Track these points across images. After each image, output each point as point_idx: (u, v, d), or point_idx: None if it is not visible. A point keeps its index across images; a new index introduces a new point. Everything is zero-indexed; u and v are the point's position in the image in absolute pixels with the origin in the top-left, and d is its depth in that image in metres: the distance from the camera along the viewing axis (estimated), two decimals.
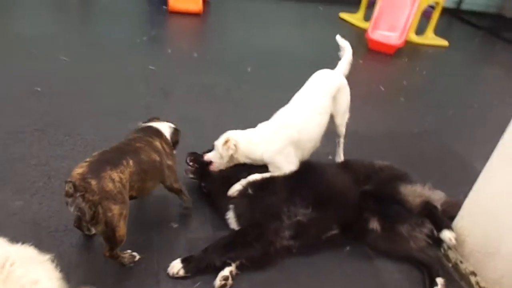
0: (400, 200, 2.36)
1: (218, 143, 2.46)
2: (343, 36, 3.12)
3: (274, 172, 2.43)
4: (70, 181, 1.73)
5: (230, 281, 2.02)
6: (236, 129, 2.55)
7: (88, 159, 1.87)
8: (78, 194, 1.72)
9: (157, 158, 2.12)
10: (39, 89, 3.40)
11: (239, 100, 3.81)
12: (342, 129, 2.95)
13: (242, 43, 5.17)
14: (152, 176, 2.09)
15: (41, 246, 2.04)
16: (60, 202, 2.32)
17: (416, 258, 2.34)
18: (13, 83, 3.40)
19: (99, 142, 2.89)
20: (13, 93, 3.27)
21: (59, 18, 5.21)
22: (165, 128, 2.40)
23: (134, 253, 2.06)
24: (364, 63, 5.37)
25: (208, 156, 2.50)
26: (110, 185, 1.79)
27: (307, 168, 2.47)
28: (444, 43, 6.54)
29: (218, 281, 2.00)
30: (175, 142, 2.41)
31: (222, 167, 2.50)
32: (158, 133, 2.31)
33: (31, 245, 1.78)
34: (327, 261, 2.31)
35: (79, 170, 1.79)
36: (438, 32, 6.66)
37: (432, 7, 6.54)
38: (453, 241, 2.26)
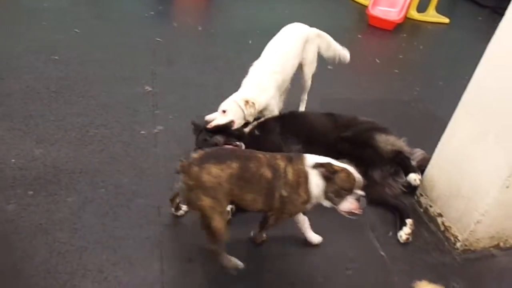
0: (373, 146, 2.64)
1: (232, 106, 2.69)
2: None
3: (267, 115, 2.82)
4: (182, 161, 1.89)
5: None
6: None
7: (210, 150, 2.00)
8: (181, 175, 1.88)
9: (268, 175, 1.92)
10: (56, 57, 3.71)
11: (238, 69, 4.05)
12: (308, 81, 3.31)
13: (245, 18, 5.40)
14: (253, 189, 1.92)
15: (60, 184, 2.42)
16: (75, 150, 2.68)
17: (389, 202, 2.61)
18: (33, 53, 3.71)
19: (109, 102, 3.21)
20: (33, 62, 3.58)
21: None
22: (313, 164, 1.94)
23: (239, 263, 2.06)
24: (362, 38, 5.58)
25: (226, 118, 2.68)
26: (205, 177, 1.83)
27: (294, 114, 2.89)
28: (445, 20, 6.66)
29: None
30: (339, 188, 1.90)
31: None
32: (297, 160, 1.98)
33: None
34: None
35: (195, 155, 1.91)
36: (440, 9, 6.77)
37: None
38: (418, 181, 2.54)
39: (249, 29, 4.99)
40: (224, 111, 2.71)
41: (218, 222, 1.89)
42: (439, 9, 6.74)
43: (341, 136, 2.71)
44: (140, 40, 4.28)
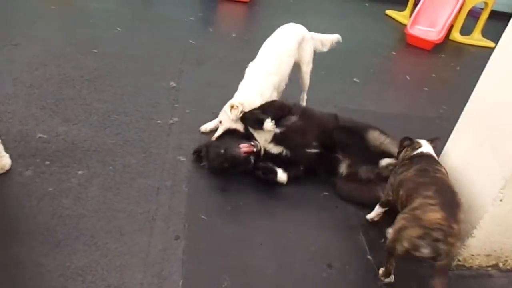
0: (363, 137, 2.74)
1: (223, 115, 2.89)
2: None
3: None
4: (440, 229, 1.85)
5: None
6: None
7: (431, 201, 1.94)
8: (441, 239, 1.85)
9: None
10: (95, 51, 4.04)
11: None
12: (306, 79, 3.39)
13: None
14: None
15: (75, 158, 2.64)
16: (95, 131, 2.91)
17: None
18: (76, 45, 4.06)
19: (134, 93, 3.44)
20: (74, 53, 3.93)
21: None
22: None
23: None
24: (397, 55, 5.53)
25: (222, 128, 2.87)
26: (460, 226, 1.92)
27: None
28: (490, 44, 6.42)
29: None
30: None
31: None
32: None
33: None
34: (305, 198, 2.70)
35: (437, 215, 1.88)
36: (487, 34, 6.56)
37: (481, 8, 6.48)
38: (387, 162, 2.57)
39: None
40: (220, 122, 2.88)
41: None
42: (485, 33, 6.53)
43: (340, 125, 2.82)
44: (175, 41, 4.54)
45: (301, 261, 2.25)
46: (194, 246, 2.20)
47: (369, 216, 2.58)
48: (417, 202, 1.99)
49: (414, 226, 1.92)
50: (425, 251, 1.90)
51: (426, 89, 4.62)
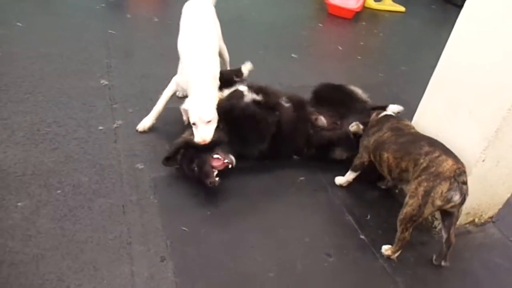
0: (351, 92, 2.94)
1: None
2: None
3: None
4: (460, 172, 1.95)
5: None
6: None
7: (435, 154, 2.02)
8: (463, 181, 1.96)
9: None
10: None
11: None
12: (226, 51, 3.26)
13: None
14: None
15: (8, 189, 2.17)
16: (25, 151, 2.42)
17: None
18: None
19: (60, 98, 2.95)
20: None
21: None
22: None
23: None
24: (324, 27, 5.54)
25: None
26: None
27: None
28: (401, 9, 6.77)
29: None
30: None
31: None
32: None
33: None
34: (283, 187, 2.55)
35: (450, 162, 1.97)
36: None
37: None
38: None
39: None
40: (194, 124, 2.39)
41: None
42: None
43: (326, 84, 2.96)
44: (92, 33, 3.99)
45: (299, 256, 2.11)
46: (183, 264, 1.94)
47: (339, 181, 2.61)
48: (423, 162, 2.03)
49: (440, 183, 1.94)
50: (456, 198, 1.97)
51: (359, 57, 4.70)
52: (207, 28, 2.82)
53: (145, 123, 2.76)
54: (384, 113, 2.52)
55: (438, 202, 1.96)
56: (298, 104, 2.74)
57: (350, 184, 2.60)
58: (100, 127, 2.72)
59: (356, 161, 2.50)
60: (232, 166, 2.33)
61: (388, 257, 2.16)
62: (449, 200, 1.96)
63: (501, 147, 2.07)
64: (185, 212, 2.22)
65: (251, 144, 2.55)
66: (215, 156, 2.31)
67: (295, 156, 2.81)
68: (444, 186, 1.94)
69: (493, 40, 1.96)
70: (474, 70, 2.06)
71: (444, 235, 2.15)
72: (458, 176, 1.95)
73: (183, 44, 2.76)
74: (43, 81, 3.10)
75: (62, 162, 2.38)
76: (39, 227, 1.98)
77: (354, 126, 2.56)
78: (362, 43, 5.17)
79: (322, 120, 2.80)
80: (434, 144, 2.10)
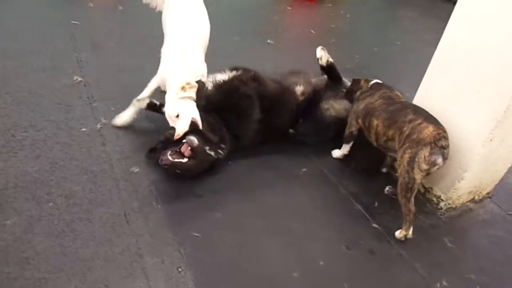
0: None
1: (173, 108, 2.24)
2: None
3: None
4: (440, 137, 2.04)
5: None
6: None
7: (418, 121, 2.10)
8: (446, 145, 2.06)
9: None
10: None
11: None
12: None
13: None
14: None
15: None
16: (2, 161, 2.16)
17: None
18: None
19: (32, 99, 2.66)
20: None
21: None
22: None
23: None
24: (292, 10, 5.44)
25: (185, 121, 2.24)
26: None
27: None
28: None
29: None
30: None
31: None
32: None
33: None
34: (287, 181, 2.46)
35: (430, 128, 2.06)
36: None
37: None
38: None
39: None
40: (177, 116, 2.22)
41: None
42: None
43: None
44: (54, 25, 3.64)
45: (319, 252, 2.03)
46: (202, 272, 1.80)
47: (336, 155, 2.68)
48: (406, 130, 2.13)
49: (422, 148, 2.05)
50: (439, 161, 2.08)
51: (333, 40, 4.66)
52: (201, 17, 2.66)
53: (124, 118, 2.56)
54: (375, 80, 2.59)
55: (424, 166, 2.06)
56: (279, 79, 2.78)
57: (353, 173, 2.57)
58: (83, 129, 2.49)
59: (346, 132, 2.57)
60: (193, 146, 2.17)
61: (405, 238, 2.16)
62: (433, 163, 2.07)
63: (509, 126, 2.09)
64: (193, 216, 2.08)
65: (242, 122, 2.47)
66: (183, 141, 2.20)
67: (290, 130, 2.77)
68: (425, 151, 2.05)
69: (500, 17, 1.95)
70: (480, 50, 2.05)
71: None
72: (438, 141, 2.05)
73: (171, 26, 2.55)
74: (9, 80, 2.79)
75: (47, 171, 2.14)
76: (35, 246, 1.76)
77: (323, 55, 2.76)
78: (333, 26, 5.14)
79: (300, 88, 2.77)
80: (418, 111, 2.20)
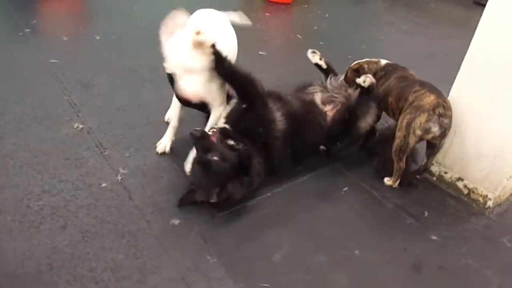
0: None
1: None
2: None
3: None
4: (439, 105, 2.16)
5: None
6: None
7: (421, 91, 2.24)
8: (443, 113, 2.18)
9: None
10: None
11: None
12: None
13: (139, 16, 4.66)
14: None
15: None
16: (25, 240, 1.91)
17: None
18: None
19: (35, 157, 2.38)
20: None
21: None
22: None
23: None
24: (271, 16, 5.30)
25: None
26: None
27: None
28: None
29: None
30: None
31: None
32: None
33: None
34: (332, 203, 2.35)
35: (431, 97, 2.19)
36: None
37: None
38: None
39: (152, 27, 4.30)
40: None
41: None
42: None
43: None
44: (32, 67, 3.30)
45: (389, 277, 1.92)
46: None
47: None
48: (410, 98, 2.27)
49: (419, 114, 2.19)
50: (435, 129, 2.20)
51: (322, 43, 4.57)
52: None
53: (164, 143, 2.51)
54: (385, 61, 2.65)
55: (418, 132, 2.20)
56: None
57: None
58: (103, 184, 2.24)
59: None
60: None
61: (391, 187, 2.43)
62: (428, 131, 2.20)
63: None
64: (254, 264, 1.90)
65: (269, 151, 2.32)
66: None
67: (321, 147, 2.66)
68: (422, 118, 2.17)
69: None
70: None
71: (424, 160, 2.48)
72: (436, 109, 2.16)
73: None
74: (2, 140, 2.47)
75: (80, 242, 1.90)
76: None
77: (367, 79, 2.46)
78: (316, 28, 5.05)
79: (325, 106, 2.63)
80: (425, 84, 2.33)
